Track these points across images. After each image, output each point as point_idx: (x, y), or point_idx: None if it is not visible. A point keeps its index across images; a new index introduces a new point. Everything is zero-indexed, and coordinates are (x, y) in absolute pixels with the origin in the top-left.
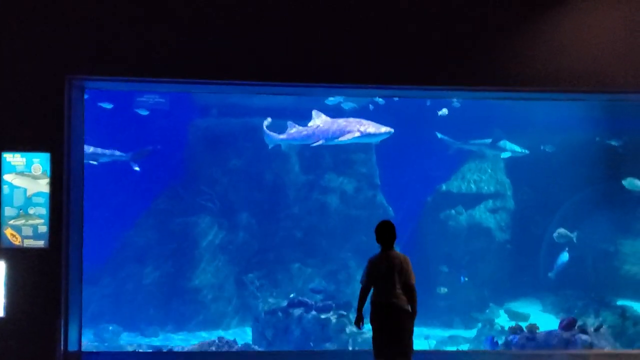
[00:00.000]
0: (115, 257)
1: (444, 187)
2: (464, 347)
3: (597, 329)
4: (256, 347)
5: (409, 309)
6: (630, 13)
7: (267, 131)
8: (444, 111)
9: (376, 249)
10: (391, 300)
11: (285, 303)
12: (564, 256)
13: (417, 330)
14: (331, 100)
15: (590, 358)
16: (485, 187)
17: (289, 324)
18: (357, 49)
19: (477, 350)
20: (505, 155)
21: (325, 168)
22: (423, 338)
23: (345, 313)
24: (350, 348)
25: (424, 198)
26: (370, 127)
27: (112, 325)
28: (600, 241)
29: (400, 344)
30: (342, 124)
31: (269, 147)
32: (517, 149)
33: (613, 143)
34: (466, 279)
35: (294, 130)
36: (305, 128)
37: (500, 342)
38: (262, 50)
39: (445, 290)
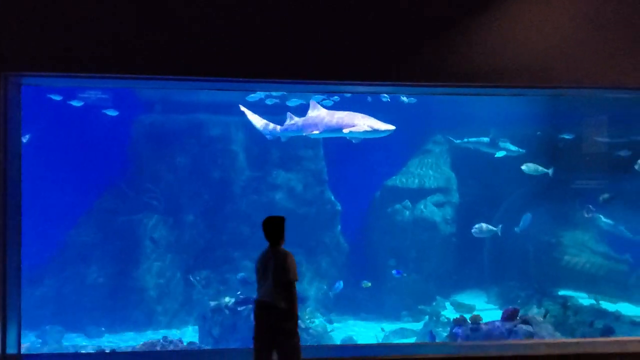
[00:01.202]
0: (57, 256)
1: (390, 182)
2: (411, 339)
3: (544, 316)
4: (203, 346)
5: (286, 307)
6: (573, 8)
7: (264, 123)
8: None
9: (321, 245)
10: (265, 299)
11: (232, 301)
12: (527, 217)
13: (368, 322)
14: (252, 96)
15: (531, 348)
16: (431, 182)
17: (236, 321)
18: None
19: (423, 342)
20: (500, 154)
21: (272, 164)
22: (379, 330)
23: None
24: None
25: (372, 193)
26: (377, 123)
27: (56, 326)
28: (542, 233)
29: (280, 345)
30: (344, 117)
31: (268, 139)
32: (513, 148)
33: (561, 136)
34: (404, 274)
35: (292, 122)
36: (305, 119)
37: (444, 334)
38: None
39: (369, 284)
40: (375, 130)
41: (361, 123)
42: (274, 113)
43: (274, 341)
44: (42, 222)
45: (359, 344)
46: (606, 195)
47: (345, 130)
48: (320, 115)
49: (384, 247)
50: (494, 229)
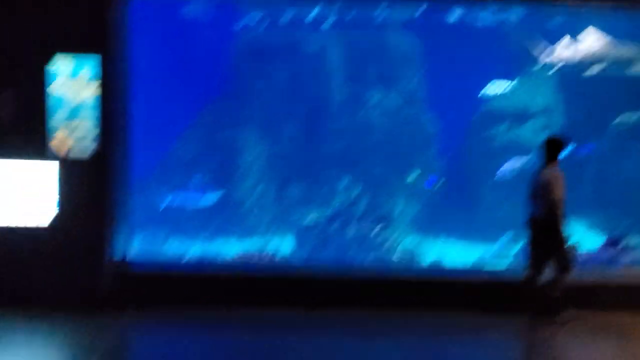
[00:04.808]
0: (162, 166)
1: (490, 105)
2: (507, 262)
3: None
4: (296, 259)
5: (551, 221)
6: None
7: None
8: None
9: (416, 165)
10: (536, 215)
11: (325, 216)
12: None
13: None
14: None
15: (632, 276)
16: (533, 105)
17: (330, 236)
18: None
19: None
20: None
21: (370, 82)
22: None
23: (385, 226)
24: (392, 260)
25: (470, 115)
26: None
27: (159, 233)
28: None
29: (549, 254)
30: None
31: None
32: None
33: None
34: (437, 183)
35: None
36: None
37: None
38: None
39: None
40: None
41: None
42: None
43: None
44: (148, 133)
45: (450, 267)
46: None
47: None
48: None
49: (480, 170)
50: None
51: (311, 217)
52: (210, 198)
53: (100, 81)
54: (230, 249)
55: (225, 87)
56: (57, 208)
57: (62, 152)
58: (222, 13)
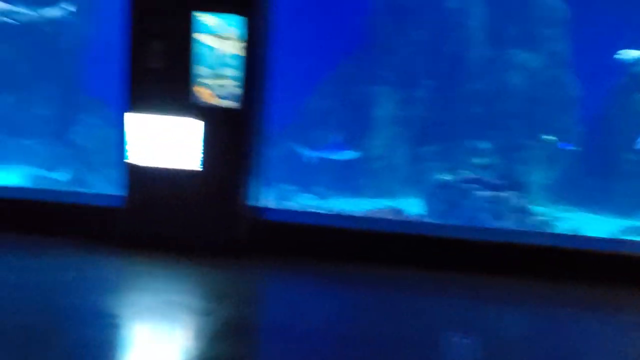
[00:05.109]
0: (296, 120)
1: (638, 68)
2: None
3: None
4: (426, 219)
5: None
6: None
7: None
8: None
9: (556, 130)
10: None
11: (458, 178)
12: None
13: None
14: None
15: None
16: None
17: (462, 199)
18: None
19: None
20: None
21: (511, 42)
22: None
23: (519, 192)
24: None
25: (616, 79)
26: None
27: (290, 185)
28: None
29: None
30: None
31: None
32: None
33: None
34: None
35: None
36: None
37: None
38: None
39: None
40: None
41: None
42: None
43: None
44: (283, 87)
45: (584, 236)
46: None
47: None
48: None
49: (623, 137)
50: None
51: (444, 178)
52: (345, 155)
53: (243, 41)
54: (362, 205)
55: (362, 42)
56: (202, 154)
57: (206, 100)
58: None
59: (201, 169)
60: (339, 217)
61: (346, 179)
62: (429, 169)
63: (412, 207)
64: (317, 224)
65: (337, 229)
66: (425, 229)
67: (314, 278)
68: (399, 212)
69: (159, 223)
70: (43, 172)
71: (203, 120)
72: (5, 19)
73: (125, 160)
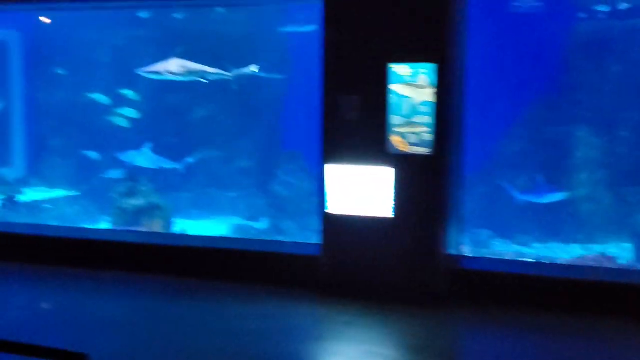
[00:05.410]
0: (487, 164)
1: None
2: None
3: None
4: (638, 266)
5: None
6: None
7: None
8: None
9: None
10: None
11: None
12: None
13: None
14: None
15: None
16: None
17: None
18: None
19: None
20: None
21: None
22: None
23: None
24: None
25: None
26: None
27: (484, 230)
28: None
29: None
30: None
31: None
32: None
33: None
34: None
35: None
36: None
37: None
38: None
39: None
40: None
41: None
42: None
43: None
44: (476, 131)
45: None
46: None
47: None
48: None
49: None
50: None
51: None
52: (549, 197)
53: (435, 87)
54: (566, 251)
55: (555, 82)
56: (394, 201)
57: (399, 148)
58: (555, 3)
59: (393, 216)
60: (542, 265)
61: (549, 222)
62: (636, 211)
63: (619, 252)
64: (520, 273)
65: (541, 277)
66: (637, 276)
67: (516, 328)
68: (610, 259)
69: (355, 271)
70: (245, 222)
71: (394, 168)
72: (199, 79)
73: (326, 210)
